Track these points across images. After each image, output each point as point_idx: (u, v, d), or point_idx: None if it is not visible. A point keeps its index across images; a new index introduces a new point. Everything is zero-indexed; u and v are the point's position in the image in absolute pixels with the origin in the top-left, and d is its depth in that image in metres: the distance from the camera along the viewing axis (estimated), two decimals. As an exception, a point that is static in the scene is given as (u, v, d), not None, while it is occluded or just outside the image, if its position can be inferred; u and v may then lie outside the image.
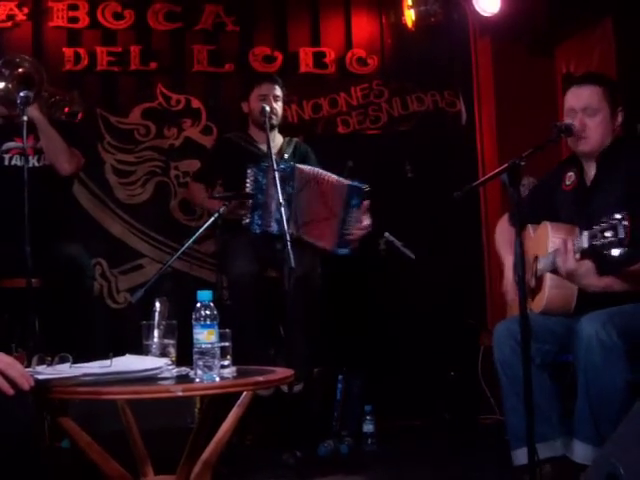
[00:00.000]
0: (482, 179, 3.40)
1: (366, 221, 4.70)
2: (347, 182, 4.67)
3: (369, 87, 5.87)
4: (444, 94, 5.93)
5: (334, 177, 4.68)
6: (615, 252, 2.82)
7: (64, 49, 5.46)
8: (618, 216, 2.79)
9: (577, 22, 5.25)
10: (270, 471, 3.79)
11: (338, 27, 5.86)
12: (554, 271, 3.25)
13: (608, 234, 2.82)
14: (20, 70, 4.24)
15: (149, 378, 2.66)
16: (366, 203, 4.68)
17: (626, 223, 2.77)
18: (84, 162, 4.58)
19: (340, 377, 4.60)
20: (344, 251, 4.66)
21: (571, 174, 3.50)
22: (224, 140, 5.06)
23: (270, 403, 4.29)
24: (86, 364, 2.69)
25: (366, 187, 4.67)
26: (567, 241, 3.12)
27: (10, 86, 4.19)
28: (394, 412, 4.85)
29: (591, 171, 3.44)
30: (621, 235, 2.77)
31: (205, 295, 2.64)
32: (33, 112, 4.17)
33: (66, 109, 4.56)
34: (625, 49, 4.88)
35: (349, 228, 4.64)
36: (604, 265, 3.13)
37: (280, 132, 4.98)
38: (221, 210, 4.42)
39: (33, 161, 4.36)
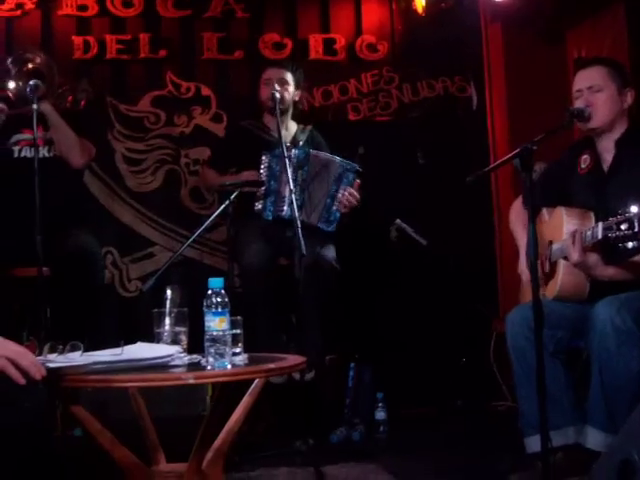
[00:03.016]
0: (494, 164, 3.39)
1: (353, 199, 4.66)
2: (339, 159, 4.66)
3: (379, 73, 5.84)
4: (455, 80, 5.90)
5: (330, 156, 4.68)
6: (629, 245, 2.81)
7: (73, 37, 5.46)
8: (635, 209, 2.78)
9: (588, 7, 5.21)
10: (282, 458, 3.79)
11: (348, 13, 5.84)
12: (567, 258, 3.24)
13: (623, 227, 2.81)
14: (30, 66, 4.22)
15: (160, 366, 2.65)
16: (357, 182, 4.66)
17: None
18: (95, 152, 4.57)
19: (352, 365, 4.60)
20: (328, 228, 4.63)
21: (586, 157, 3.49)
22: (238, 128, 5.03)
23: (282, 391, 4.28)
24: (97, 352, 2.69)
25: (359, 166, 4.66)
26: (576, 233, 3.12)
27: (21, 84, 4.18)
28: (406, 399, 4.84)
29: (607, 155, 3.42)
30: (637, 229, 2.76)
31: (217, 282, 2.63)
32: (45, 107, 4.21)
33: (70, 97, 4.55)
34: (637, 33, 4.85)
35: (336, 204, 4.62)
36: (616, 256, 3.12)
37: (294, 119, 4.96)
38: (232, 197, 4.41)
39: (43, 152, 4.36)
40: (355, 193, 4.64)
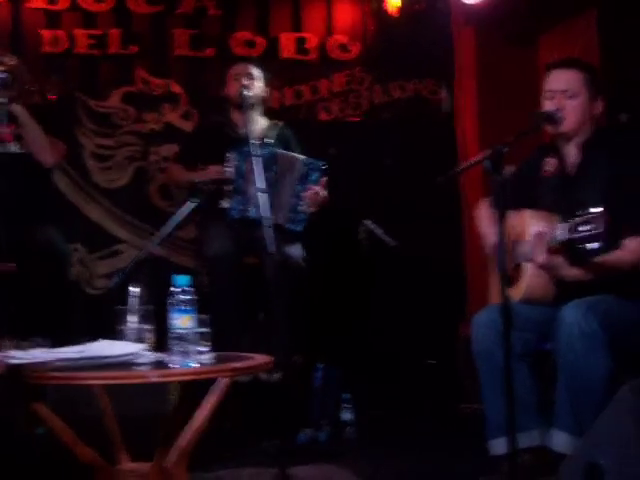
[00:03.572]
0: (465, 165, 3.38)
1: (322, 193, 4.65)
2: (304, 157, 4.65)
3: (351, 74, 5.84)
4: (426, 82, 5.92)
5: (294, 155, 4.67)
6: (591, 245, 2.81)
7: (43, 31, 5.40)
8: (596, 210, 2.78)
9: (561, 12, 5.23)
10: (248, 459, 3.76)
11: (320, 12, 5.83)
12: (531, 260, 3.24)
13: (585, 227, 2.81)
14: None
15: (125, 363, 2.63)
16: (323, 180, 4.65)
17: (603, 218, 2.76)
18: (66, 150, 4.55)
19: (319, 365, 4.58)
20: (296, 228, 4.62)
21: (551, 160, 3.49)
22: (205, 123, 5.02)
23: (249, 391, 4.26)
24: (60, 349, 2.66)
25: (324, 164, 4.65)
26: (541, 234, 3.12)
27: None
28: (373, 401, 4.83)
29: (572, 158, 3.42)
30: (598, 229, 2.76)
31: (182, 280, 2.61)
32: (16, 108, 4.22)
33: (38, 93, 4.53)
34: (608, 40, 4.87)
35: (302, 203, 4.61)
36: (579, 257, 3.12)
37: (264, 116, 4.93)
38: (195, 199, 4.40)
39: (15, 148, 4.33)
40: (320, 191, 4.63)
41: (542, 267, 3.18)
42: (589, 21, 5.02)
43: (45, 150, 4.33)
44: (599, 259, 3.10)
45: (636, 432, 2.10)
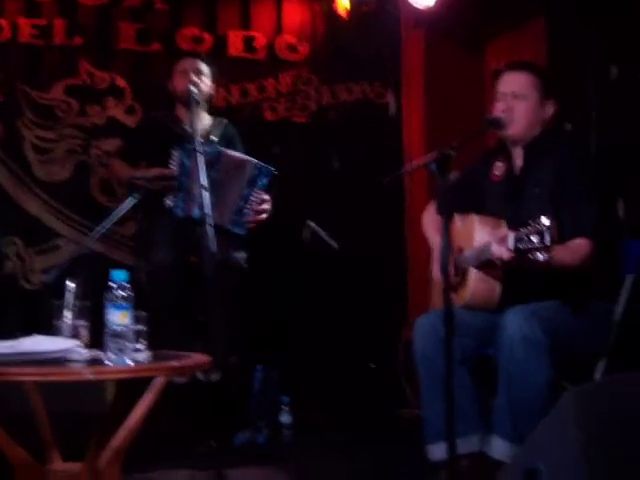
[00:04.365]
0: (411, 166, 3.37)
1: (266, 205, 4.60)
2: (256, 161, 4.58)
3: (298, 74, 5.80)
4: (374, 85, 5.89)
5: (245, 157, 4.60)
6: (539, 256, 2.80)
7: (-16, 19, 5.28)
8: (546, 222, 2.76)
9: (509, 20, 5.26)
10: (184, 460, 3.71)
11: (269, 11, 5.77)
12: (479, 265, 3.22)
13: (534, 239, 2.80)
14: None
15: (58, 360, 2.56)
16: (268, 198, 4.60)
17: (553, 229, 2.76)
18: (2, 131, 4.44)
19: (258, 367, 4.54)
20: (239, 230, 4.56)
21: (500, 164, 3.49)
22: (150, 119, 4.95)
23: (186, 391, 4.20)
24: (-10, 343, 2.59)
25: (274, 170, 4.58)
26: (502, 233, 3.08)
27: None
28: (312, 403, 4.81)
29: (519, 161, 3.43)
30: (547, 242, 2.75)
31: (120, 275, 2.55)
32: None
33: None
34: (556, 49, 4.90)
35: (248, 207, 4.54)
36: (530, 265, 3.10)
37: (208, 113, 4.86)
38: (137, 196, 4.33)
39: None
40: (263, 204, 4.57)
41: (507, 262, 3.09)
42: (537, 29, 5.05)
43: None
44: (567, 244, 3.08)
45: (579, 437, 2.09)
